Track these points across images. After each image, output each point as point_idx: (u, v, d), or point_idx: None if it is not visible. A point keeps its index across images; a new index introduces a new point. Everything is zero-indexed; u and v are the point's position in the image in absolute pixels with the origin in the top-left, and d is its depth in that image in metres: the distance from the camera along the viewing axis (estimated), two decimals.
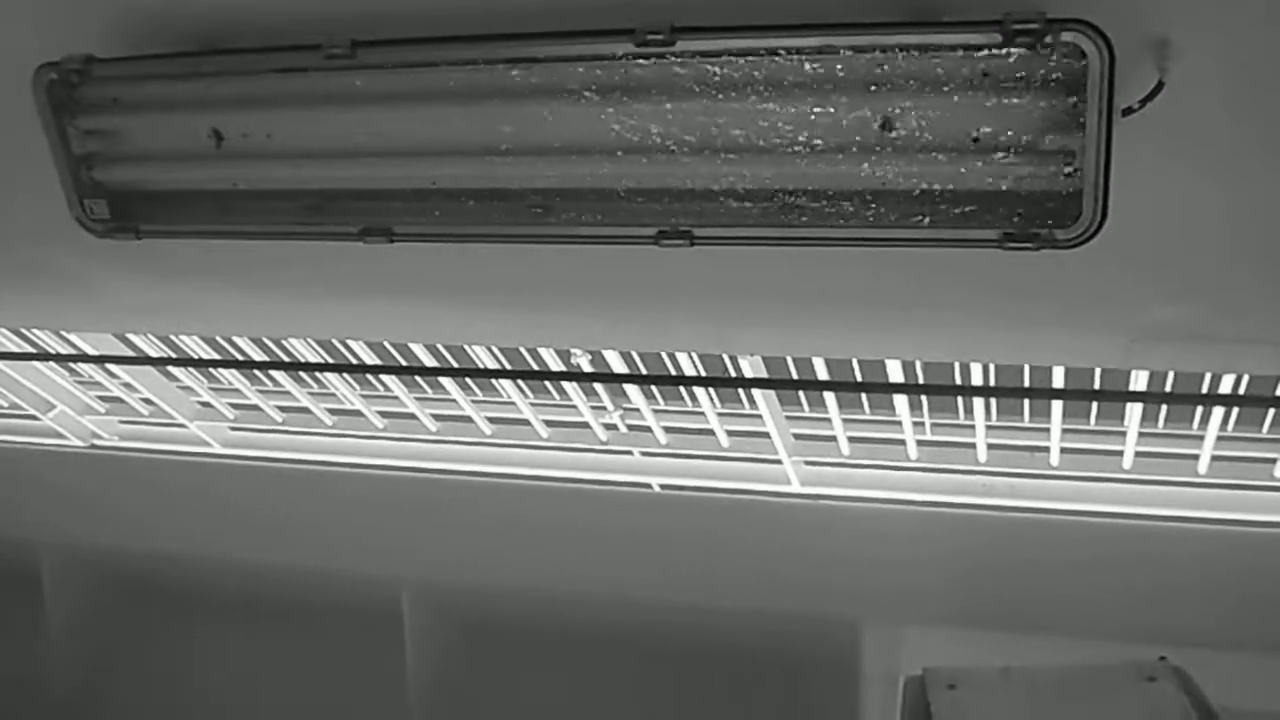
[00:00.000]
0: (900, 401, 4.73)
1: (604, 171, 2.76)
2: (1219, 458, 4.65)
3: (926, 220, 2.61)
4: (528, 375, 5.04)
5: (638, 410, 5.16)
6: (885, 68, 2.45)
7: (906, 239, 2.65)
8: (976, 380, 4.26)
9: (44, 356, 5.64)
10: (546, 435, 5.50)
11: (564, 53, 2.63)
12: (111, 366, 5.78)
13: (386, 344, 4.90)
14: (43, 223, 3.37)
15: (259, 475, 6.14)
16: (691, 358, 4.52)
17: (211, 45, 2.94)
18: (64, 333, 5.36)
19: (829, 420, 4.95)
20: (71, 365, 5.94)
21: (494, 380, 5.28)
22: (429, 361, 4.92)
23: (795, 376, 4.52)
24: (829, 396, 4.80)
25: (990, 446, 4.87)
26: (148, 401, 6.03)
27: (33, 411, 6.12)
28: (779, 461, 5.11)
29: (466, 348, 4.71)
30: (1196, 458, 4.66)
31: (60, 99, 2.99)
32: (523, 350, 4.73)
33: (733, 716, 6.11)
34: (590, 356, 4.62)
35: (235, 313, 4.33)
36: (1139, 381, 4.04)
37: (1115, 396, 4.30)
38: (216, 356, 5.42)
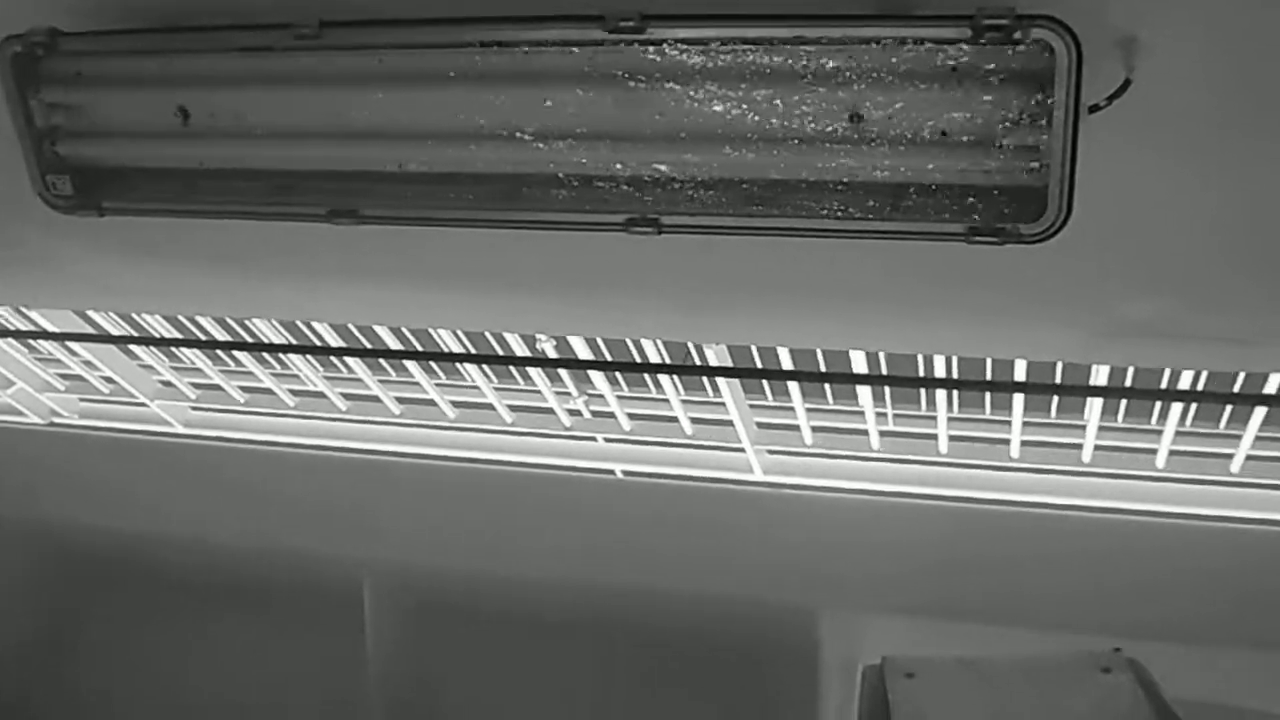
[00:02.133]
0: (863, 392, 4.75)
1: (572, 157, 2.75)
2: (1177, 453, 4.70)
3: (893, 212, 2.62)
4: (492, 360, 5.04)
5: (602, 396, 5.16)
6: (855, 60, 2.46)
7: (872, 231, 2.66)
8: (939, 372, 4.29)
9: (3, 333, 5.58)
10: (510, 420, 5.49)
11: (534, 37, 2.63)
12: (72, 344, 5.73)
13: (350, 326, 4.88)
14: (4, 198, 3.33)
15: (220, 455, 6.11)
16: (656, 345, 4.53)
17: (179, 22, 2.92)
18: (24, 309, 5.31)
19: (792, 409, 4.98)
20: (31, 342, 5.88)
21: (458, 364, 5.27)
22: (393, 344, 4.90)
23: (760, 365, 4.53)
24: (793, 386, 4.82)
25: (952, 438, 4.91)
26: (108, 380, 5.98)
27: None
28: (742, 450, 5.13)
29: (431, 331, 4.70)
30: (1155, 452, 4.71)
31: (24, 72, 2.95)
32: (488, 335, 4.73)
33: (691, 702, 6.13)
34: (555, 342, 4.62)
35: (198, 292, 4.30)
36: (1099, 376, 4.07)
37: (1076, 391, 4.34)
38: (179, 335, 5.38)
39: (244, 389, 5.87)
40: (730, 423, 4.98)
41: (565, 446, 5.55)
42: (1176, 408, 4.46)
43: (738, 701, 6.01)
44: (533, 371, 5.08)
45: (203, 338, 5.31)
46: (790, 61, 2.50)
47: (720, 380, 4.72)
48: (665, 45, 2.55)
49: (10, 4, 3.01)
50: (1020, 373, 4.18)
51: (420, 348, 4.92)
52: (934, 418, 4.83)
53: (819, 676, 5.64)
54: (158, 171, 3.09)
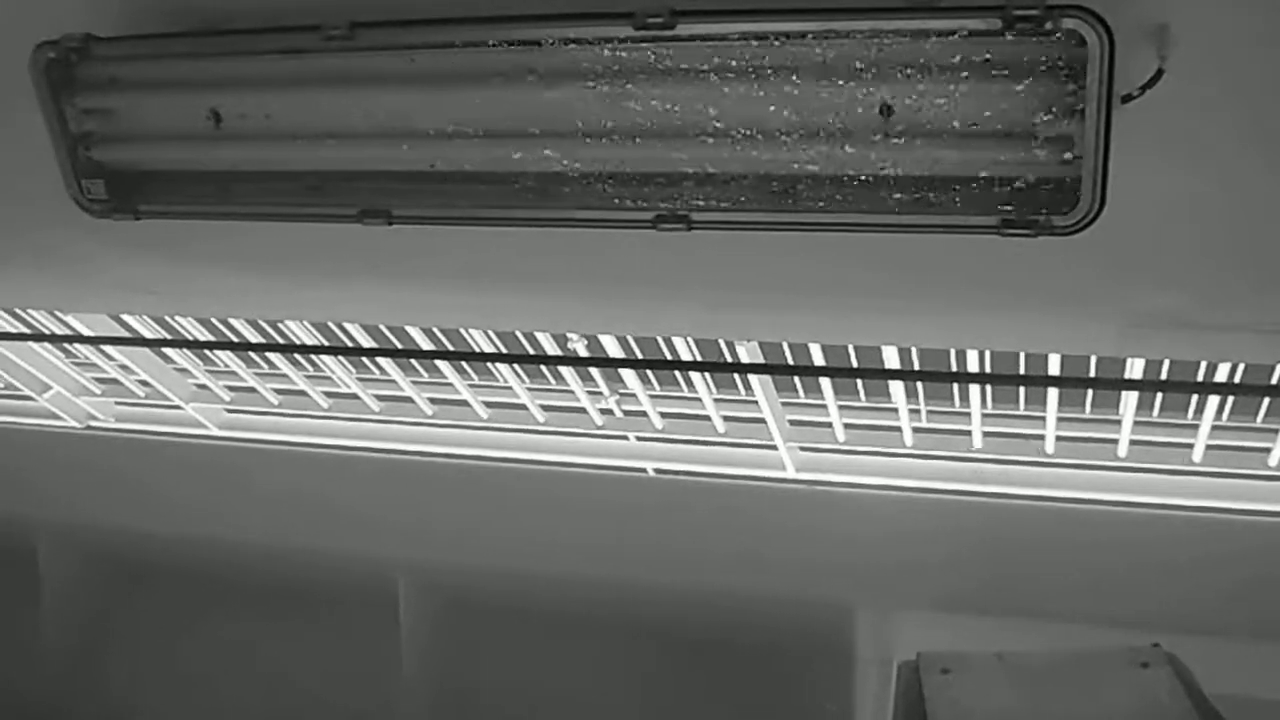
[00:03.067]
0: (896, 388, 4.74)
1: (602, 155, 2.76)
2: (1214, 446, 4.66)
3: (924, 206, 2.61)
4: (524, 359, 5.04)
5: (633, 395, 5.16)
6: (885, 53, 2.46)
7: (904, 225, 2.65)
8: (972, 367, 4.27)
9: (40, 337, 5.64)
10: (542, 419, 5.50)
11: (563, 35, 2.63)
12: (108, 348, 5.78)
13: (383, 327, 4.90)
14: (40, 202, 3.36)
15: (254, 457, 6.14)
16: (688, 343, 4.53)
17: (211, 25, 2.94)
18: (60, 313, 5.35)
19: (825, 406, 4.96)
20: (67, 346, 5.94)
21: (490, 364, 5.28)
22: (425, 345, 4.92)
23: (791, 362, 4.52)
24: (825, 382, 4.81)
25: (985, 434, 4.88)
26: (144, 383, 6.03)
27: (28, 392, 6.12)
28: (774, 447, 5.12)
29: (463, 331, 4.71)
30: (1191, 446, 4.68)
31: (58, 78, 2.98)
32: (519, 334, 4.74)
33: (727, 700, 6.13)
34: (586, 341, 4.63)
35: (232, 294, 4.32)
36: (1134, 369, 4.04)
37: (1110, 384, 4.30)
38: (213, 338, 5.42)
39: (278, 391, 5.90)
40: (762, 420, 4.97)
41: (598, 445, 5.56)
42: (1213, 401, 4.43)
43: (773, 699, 6.01)
44: (565, 371, 5.08)
45: (236, 340, 5.34)
46: (819, 55, 2.50)
47: (752, 377, 4.71)
48: (694, 41, 2.55)
49: (44, 11, 3.04)
50: (1054, 367, 4.15)
51: (452, 348, 4.94)
52: (967, 413, 4.81)
53: (854, 672, 5.62)
54: (191, 174, 3.11)
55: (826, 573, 5.40)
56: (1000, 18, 2.34)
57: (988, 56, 2.40)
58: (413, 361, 5.38)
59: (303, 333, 5.16)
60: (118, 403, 6.30)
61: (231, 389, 5.99)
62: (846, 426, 5.07)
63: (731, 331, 4.12)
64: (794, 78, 2.53)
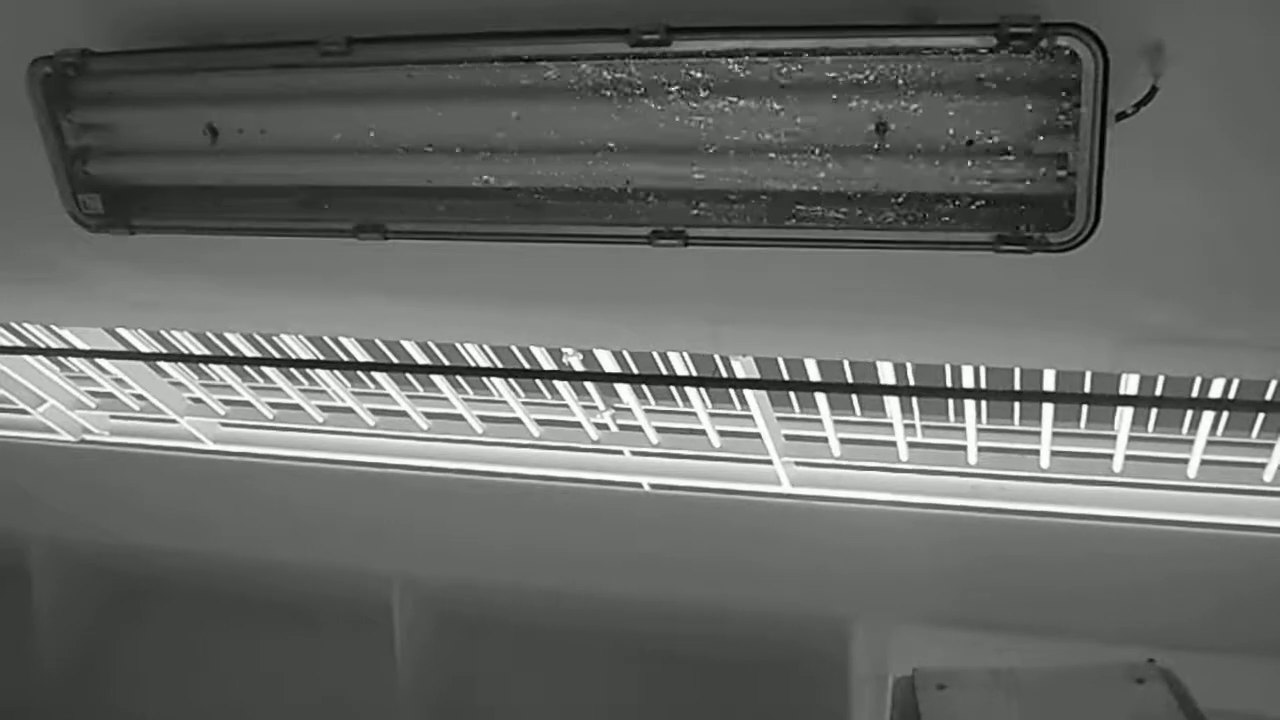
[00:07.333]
0: (891, 403, 4.74)
1: (598, 171, 2.76)
2: (1208, 462, 4.66)
3: (919, 222, 2.61)
4: (520, 374, 5.04)
5: (629, 410, 5.16)
6: (880, 70, 2.46)
7: (899, 241, 2.65)
8: (968, 383, 4.27)
9: (35, 351, 5.63)
10: (538, 434, 5.50)
11: (559, 52, 2.64)
12: (103, 362, 5.77)
13: (378, 341, 4.90)
14: (36, 217, 3.36)
15: (249, 471, 6.14)
16: (683, 358, 4.53)
17: (207, 40, 2.94)
18: (55, 327, 5.35)
19: (820, 421, 4.96)
20: (63, 360, 5.93)
21: (486, 378, 5.28)
22: (421, 359, 4.92)
23: (787, 377, 4.52)
24: (820, 398, 4.81)
25: (981, 449, 4.89)
26: (139, 397, 6.02)
27: (23, 406, 6.11)
28: (770, 462, 5.11)
29: (459, 346, 4.71)
30: (1186, 461, 4.68)
31: (55, 93, 2.98)
32: (515, 349, 4.74)
33: (721, 715, 6.12)
34: (582, 355, 4.63)
35: (227, 308, 4.32)
36: (1129, 385, 4.05)
37: (1105, 400, 4.31)
38: (208, 352, 5.41)
39: (273, 405, 5.90)
40: (758, 435, 4.96)
41: (593, 460, 5.55)
42: (1208, 416, 4.43)
43: (767, 714, 5.99)
44: (560, 385, 5.08)
45: (231, 354, 5.34)
46: (815, 73, 2.50)
47: (747, 392, 4.71)
48: (690, 58, 2.56)
49: (41, 26, 3.04)
50: (1049, 383, 4.16)
51: (448, 362, 4.94)
52: (963, 429, 4.81)
53: (849, 688, 5.61)
54: (187, 189, 3.11)
55: (822, 587, 5.40)
56: (995, 35, 2.35)
57: (982, 74, 2.41)
58: (408, 376, 5.37)
59: (298, 347, 5.16)
60: (113, 416, 6.30)
61: (227, 403, 5.99)
62: (842, 441, 5.07)
63: (727, 346, 4.12)
64: (789, 94, 2.54)
